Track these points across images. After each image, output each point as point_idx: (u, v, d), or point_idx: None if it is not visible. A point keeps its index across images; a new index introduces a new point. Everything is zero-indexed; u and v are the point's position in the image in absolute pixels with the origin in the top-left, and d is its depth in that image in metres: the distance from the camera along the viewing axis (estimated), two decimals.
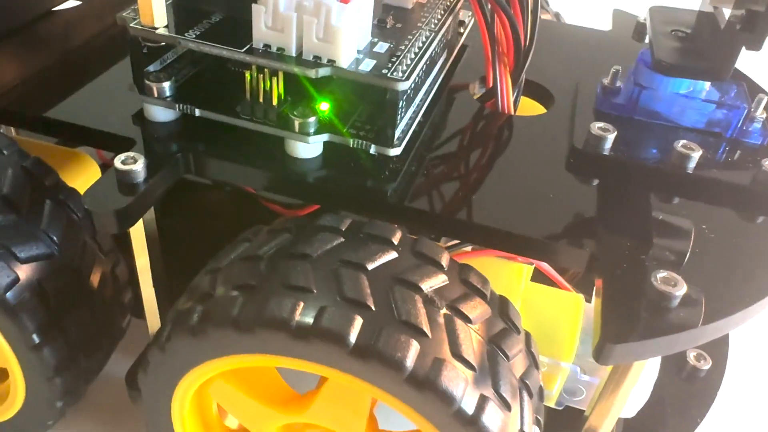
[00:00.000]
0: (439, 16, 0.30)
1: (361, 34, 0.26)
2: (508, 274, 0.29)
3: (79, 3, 0.38)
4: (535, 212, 0.26)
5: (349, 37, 0.25)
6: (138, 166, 0.25)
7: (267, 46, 0.25)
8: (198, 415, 0.28)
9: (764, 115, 0.30)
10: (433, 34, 0.28)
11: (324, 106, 0.27)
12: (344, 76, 0.25)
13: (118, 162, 0.25)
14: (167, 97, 0.27)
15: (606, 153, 0.28)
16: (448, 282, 0.23)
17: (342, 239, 0.23)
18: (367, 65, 0.25)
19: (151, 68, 0.28)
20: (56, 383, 0.28)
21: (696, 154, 0.28)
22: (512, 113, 0.32)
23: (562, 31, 0.41)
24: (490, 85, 0.33)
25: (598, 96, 0.32)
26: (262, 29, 0.25)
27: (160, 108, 0.28)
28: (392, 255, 0.23)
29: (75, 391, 0.29)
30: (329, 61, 0.25)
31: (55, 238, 0.27)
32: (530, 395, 0.23)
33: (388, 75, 0.25)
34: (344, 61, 0.25)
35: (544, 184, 0.28)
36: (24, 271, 0.26)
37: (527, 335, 0.25)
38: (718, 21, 0.28)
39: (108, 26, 0.36)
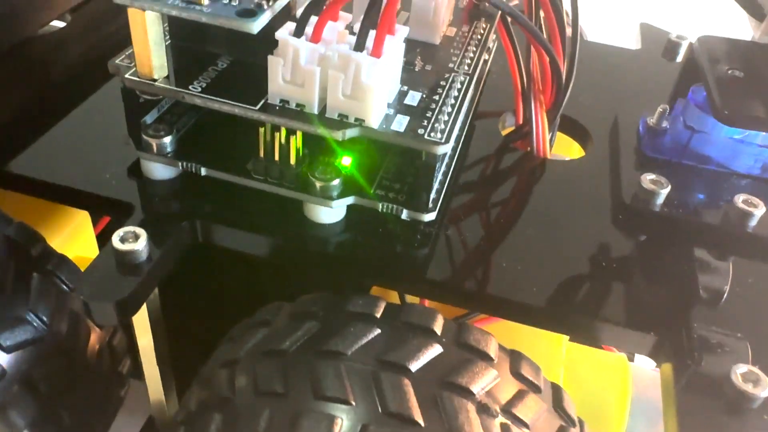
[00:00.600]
0: (472, 54, 0.26)
1: (391, 85, 0.23)
2: (548, 340, 0.27)
3: (63, 24, 0.34)
4: (586, 285, 0.23)
5: (380, 95, 0.22)
6: (140, 245, 0.21)
7: (284, 101, 0.22)
8: None
9: None
10: (467, 78, 0.25)
11: (346, 161, 0.24)
12: (375, 137, 0.22)
13: (116, 240, 0.21)
14: (168, 153, 0.24)
15: (657, 209, 0.26)
16: (500, 379, 0.20)
17: (378, 330, 0.21)
18: (400, 123, 0.22)
19: (148, 119, 0.25)
20: None
21: (759, 212, 0.25)
22: (548, 157, 0.29)
23: (589, 50, 0.38)
24: (520, 121, 0.30)
25: (642, 137, 0.29)
26: (279, 83, 0.22)
27: (161, 165, 0.24)
28: (437, 350, 0.20)
29: None
30: (357, 119, 0.22)
31: (44, 318, 0.23)
32: None
33: (426, 136, 0.22)
34: (374, 120, 0.22)
35: (592, 247, 0.25)
36: (10, 362, 0.22)
37: (581, 424, 0.22)
38: None
39: (93, 49, 0.32)
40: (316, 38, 0.21)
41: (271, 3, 0.21)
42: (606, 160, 0.29)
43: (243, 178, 0.24)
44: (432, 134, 0.22)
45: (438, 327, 0.21)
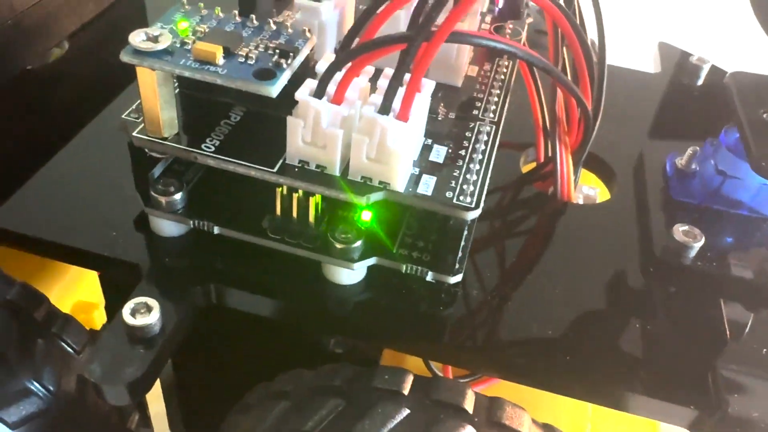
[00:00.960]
0: (497, 99, 0.25)
1: (416, 128, 0.22)
2: (573, 402, 0.26)
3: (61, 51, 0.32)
4: (618, 350, 0.22)
5: (406, 158, 0.20)
6: (153, 318, 0.20)
7: (304, 162, 0.21)
8: None
9: None
10: (494, 127, 0.24)
11: (366, 215, 0.23)
12: (401, 201, 0.21)
13: (127, 314, 0.20)
14: (179, 210, 0.23)
15: (690, 263, 0.25)
16: None
17: (407, 411, 0.19)
18: (427, 185, 0.21)
19: (156, 171, 0.23)
20: None
21: None
22: (572, 201, 0.28)
23: (608, 74, 0.36)
24: (542, 159, 0.29)
25: (670, 179, 0.28)
26: (298, 145, 0.20)
27: (170, 222, 0.23)
28: (469, 430, 0.19)
29: None
30: (381, 182, 0.21)
31: (50, 386, 0.22)
32: None
33: (455, 200, 0.21)
34: (400, 183, 0.21)
35: (622, 306, 0.24)
36: None
37: None
38: None
39: (93, 82, 0.31)
40: (338, 99, 0.20)
41: (290, 61, 0.20)
42: (632, 204, 0.28)
43: (259, 237, 0.23)
44: (461, 198, 0.21)
45: (470, 405, 0.20)
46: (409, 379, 0.20)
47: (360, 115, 0.20)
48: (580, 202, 0.30)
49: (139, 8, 0.37)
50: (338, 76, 0.20)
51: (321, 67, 0.21)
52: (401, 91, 0.19)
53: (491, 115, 0.24)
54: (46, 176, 0.26)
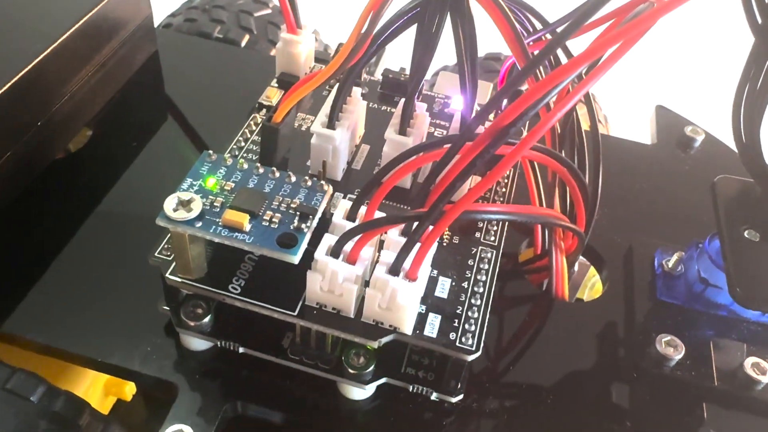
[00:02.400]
0: (497, 226, 0.27)
1: (423, 279, 0.24)
2: None
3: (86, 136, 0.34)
4: None
5: (413, 309, 0.23)
6: None
7: (322, 305, 0.23)
8: None
9: None
10: (494, 252, 0.26)
11: None
12: (409, 342, 0.23)
13: None
14: (207, 332, 0.25)
15: (669, 372, 0.27)
16: None
17: None
18: (432, 326, 0.23)
19: (186, 293, 0.25)
20: None
21: (766, 378, 0.26)
22: (566, 299, 0.30)
23: (603, 146, 0.38)
24: (539, 252, 0.31)
25: (657, 278, 0.30)
26: (317, 292, 0.23)
27: (198, 338, 0.26)
28: None
29: None
30: (391, 326, 0.23)
31: None
32: None
33: (457, 343, 0.23)
34: (408, 327, 0.23)
35: (608, 410, 0.26)
36: None
37: None
38: None
39: (117, 161, 0.33)
40: (353, 259, 0.22)
41: (309, 223, 0.22)
42: (621, 304, 0.30)
43: (281, 358, 0.25)
44: (463, 339, 0.23)
45: None
46: None
47: (373, 275, 0.22)
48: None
49: (155, 77, 0.38)
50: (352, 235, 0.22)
51: (337, 218, 0.23)
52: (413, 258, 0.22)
53: (492, 237, 0.27)
54: (72, 270, 0.28)
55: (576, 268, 0.32)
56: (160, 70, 0.39)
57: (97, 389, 0.32)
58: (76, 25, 0.32)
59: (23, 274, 0.28)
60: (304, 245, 0.22)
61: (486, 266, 0.25)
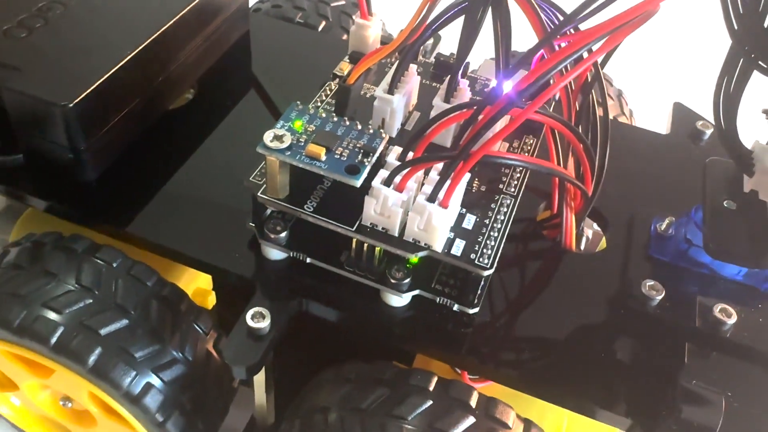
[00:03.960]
0: (518, 175, 0.34)
1: (454, 209, 0.31)
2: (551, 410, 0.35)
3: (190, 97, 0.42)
4: (586, 371, 0.31)
5: (444, 231, 0.29)
6: (266, 323, 0.30)
7: (374, 224, 0.30)
8: None
9: None
10: (513, 200, 0.32)
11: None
12: (438, 258, 0.30)
13: (249, 318, 0.30)
14: (283, 244, 0.32)
15: (651, 311, 0.33)
16: None
17: (430, 402, 0.29)
18: (458, 248, 0.30)
19: (268, 212, 0.33)
20: None
21: (731, 321, 0.32)
22: (573, 249, 0.36)
23: (619, 133, 0.44)
24: (555, 211, 0.37)
25: (651, 239, 0.36)
26: (371, 214, 0.30)
27: (275, 249, 0.33)
28: (471, 420, 0.29)
29: None
30: (426, 244, 0.30)
31: (189, 357, 0.33)
32: None
33: (476, 261, 0.30)
34: (438, 246, 0.30)
35: (595, 337, 0.32)
36: (167, 390, 0.32)
37: None
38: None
39: (217, 121, 0.40)
40: (400, 188, 0.29)
41: (370, 158, 0.29)
42: (619, 257, 0.36)
43: (338, 268, 0.32)
44: (481, 259, 0.30)
45: (473, 401, 0.29)
46: (434, 380, 0.30)
47: (414, 200, 0.29)
48: (582, 244, 0.38)
49: (246, 52, 0.46)
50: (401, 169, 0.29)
51: (390, 158, 0.30)
52: (446, 188, 0.28)
53: (512, 189, 0.33)
54: (181, 193, 0.36)
55: (590, 235, 0.38)
56: (249, 46, 0.47)
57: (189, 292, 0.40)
58: (191, 5, 0.39)
59: (145, 190, 0.36)
60: (365, 174, 0.29)
61: (505, 209, 0.32)
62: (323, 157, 0.29)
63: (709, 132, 0.44)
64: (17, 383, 0.36)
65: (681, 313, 0.33)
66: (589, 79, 0.34)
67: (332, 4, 0.50)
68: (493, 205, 0.32)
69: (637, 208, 0.38)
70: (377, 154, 0.30)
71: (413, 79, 0.35)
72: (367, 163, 0.29)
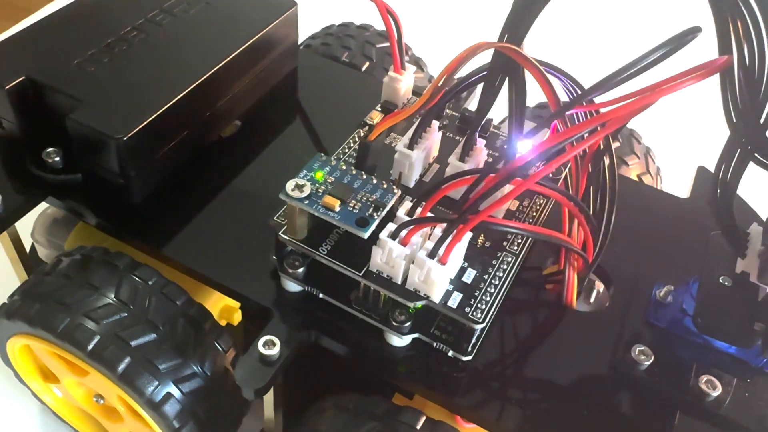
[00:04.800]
0: (521, 239, 0.36)
1: (453, 265, 0.33)
2: None
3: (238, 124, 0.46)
4: (560, 424, 0.33)
5: (442, 284, 0.32)
6: (276, 350, 0.33)
7: (380, 271, 0.33)
8: None
9: None
10: (514, 258, 0.35)
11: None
12: (435, 308, 0.32)
13: (260, 345, 0.33)
14: (299, 279, 0.36)
15: (639, 375, 0.35)
16: None
17: None
18: (455, 300, 0.32)
19: (288, 248, 0.36)
20: None
21: (715, 393, 0.33)
22: (574, 307, 0.38)
23: (636, 194, 0.45)
24: (562, 266, 0.39)
25: (650, 304, 0.37)
26: (377, 262, 0.32)
27: (293, 282, 0.36)
28: None
29: None
30: (425, 294, 0.32)
31: (207, 372, 0.36)
32: None
33: (470, 315, 0.32)
34: (437, 297, 0.32)
35: (586, 397, 0.34)
36: (185, 401, 0.35)
37: None
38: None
39: (258, 155, 0.44)
40: (405, 242, 0.31)
41: (379, 213, 0.32)
42: (616, 319, 0.37)
43: (347, 306, 0.35)
44: (474, 314, 0.32)
45: None
46: (422, 419, 0.32)
47: (416, 256, 0.31)
48: (592, 297, 0.40)
49: (292, 87, 0.49)
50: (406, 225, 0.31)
51: (400, 213, 0.33)
52: (445, 247, 0.31)
53: (515, 248, 0.35)
54: (215, 219, 0.39)
55: (602, 290, 0.40)
56: (297, 82, 0.50)
57: (216, 311, 0.44)
58: (243, 46, 0.43)
59: (184, 214, 0.40)
60: (373, 227, 0.31)
61: (505, 267, 0.34)
62: (337, 209, 0.32)
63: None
64: (59, 378, 0.40)
65: (668, 381, 0.35)
66: (602, 147, 0.36)
67: (377, 46, 0.53)
68: (494, 262, 0.34)
69: (644, 271, 0.40)
70: (387, 209, 0.32)
71: (434, 135, 0.37)
72: (376, 217, 0.32)
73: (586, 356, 0.36)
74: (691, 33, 0.26)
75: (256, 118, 0.47)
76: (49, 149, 0.40)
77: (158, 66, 0.41)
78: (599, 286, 0.40)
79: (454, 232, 0.30)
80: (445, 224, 0.31)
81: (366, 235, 0.31)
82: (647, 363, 0.34)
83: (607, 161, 0.36)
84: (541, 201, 0.38)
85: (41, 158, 0.40)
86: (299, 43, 0.56)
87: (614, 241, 0.38)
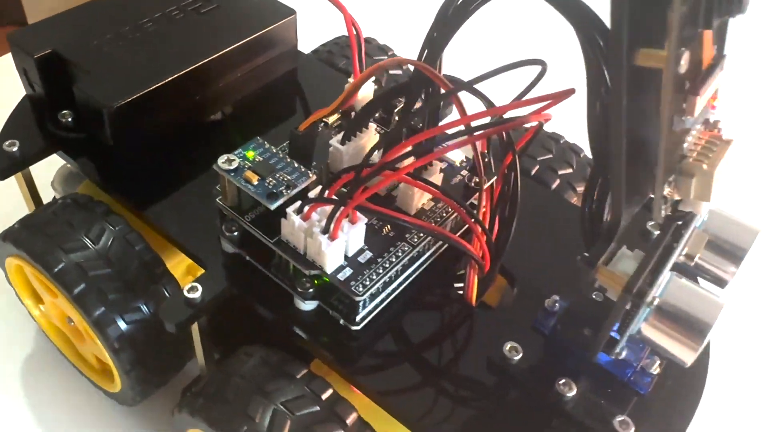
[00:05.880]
0: (422, 234, 0.41)
1: (353, 245, 0.38)
2: None
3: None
4: (439, 407, 0.37)
5: (333, 259, 0.37)
6: (197, 295, 0.40)
7: (288, 241, 0.39)
8: None
9: (657, 371, 0.38)
10: (410, 248, 0.39)
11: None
12: (327, 279, 0.38)
13: (185, 289, 0.40)
14: (234, 242, 0.42)
15: (509, 370, 0.38)
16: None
17: (292, 386, 0.37)
18: (344, 274, 0.38)
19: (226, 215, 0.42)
20: (133, 380, 0.44)
21: (571, 394, 0.37)
22: (473, 304, 0.42)
23: (558, 206, 0.48)
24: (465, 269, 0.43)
25: (538, 314, 0.41)
26: (285, 233, 0.38)
27: (228, 244, 0.42)
28: (315, 408, 0.36)
29: (146, 390, 0.46)
30: (319, 265, 0.38)
31: (150, 309, 0.43)
32: None
33: (352, 288, 0.37)
34: (329, 268, 0.38)
35: (464, 382, 0.38)
36: (129, 330, 0.42)
37: None
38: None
39: (238, 138, 0.51)
40: (306, 217, 0.37)
41: (290, 192, 0.38)
42: (507, 318, 0.41)
43: (267, 271, 0.41)
44: (356, 287, 0.37)
45: (325, 395, 0.37)
46: (304, 371, 0.38)
47: (312, 230, 0.37)
48: None
49: (289, 84, 0.56)
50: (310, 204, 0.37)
51: (311, 194, 0.38)
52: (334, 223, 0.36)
53: (414, 239, 0.40)
54: (183, 187, 0.46)
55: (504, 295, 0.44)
56: (296, 80, 0.57)
57: (182, 268, 0.51)
58: (238, 43, 0.50)
59: (159, 180, 0.47)
60: (281, 201, 0.37)
61: (399, 254, 0.39)
62: (255, 182, 0.38)
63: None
64: (42, 298, 0.48)
65: (533, 378, 0.38)
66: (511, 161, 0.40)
67: (374, 58, 0.59)
68: (391, 249, 0.39)
69: (545, 280, 0.43)
70: (297, 189, 0.38)
71: (369, 135, 0.43)
72: (285, 194, 0.38)
73: (466, 347, 0.40)
74: (532, 63, 0.31)
75: (247, 107, 0.53)
76: (64, 111, 0.48)
77: (159, 52, 0.48)
78: (506, 287, 0.44)
79: (338, 213, 0.36)
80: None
81: (272, 207, 0.37)
82: (516, 358, 0.38)
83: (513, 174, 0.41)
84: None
85: (57, 118, 0.48)
86: (313, 48, 0.63)
87: (529, 248, 0.42)
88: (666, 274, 0.31)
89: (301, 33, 0.55)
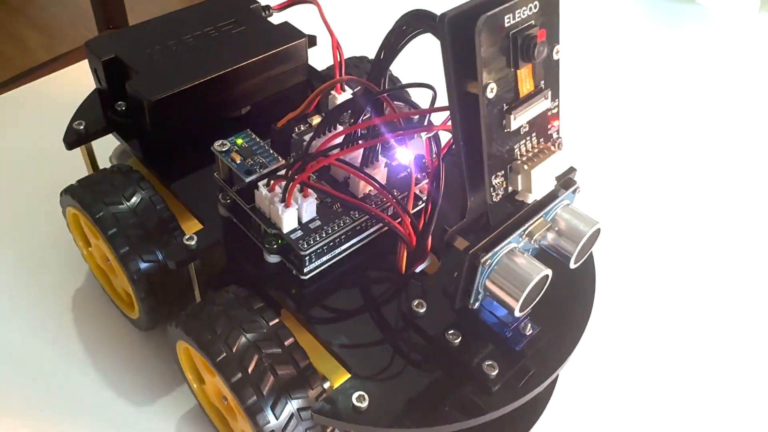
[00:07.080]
0: (366, 220, 0.53)
1: (306, 214, 0.51)
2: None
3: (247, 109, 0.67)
4: (356, 337, 0.49)
5: (287, 222, 0.50)
6: (193, 242, 0.53)
7: (259, 207, 0.52)
8: None
9: (530, 332, 0.48)
10: (351, 221, 0.52)
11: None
12: (283, 236, 0.51)
13: (185, 238, 0.53)
14: (227, 208, 0.55)
15: (413, 320, 0.50)
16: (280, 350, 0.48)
17: (252, 316, 0.50)
18: (296, 235, 0.50)
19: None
20: (147, 307, 0.58)
21: (456, 341, 0.48)
22: (403, 273, 0.53)
23: None
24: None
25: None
26: (257, 200, 0.51)
27: (224, 209, 0.56)
28: (263, 331, 0.49)
29: (155, 318, 0.60)
30: (278, 226, 0.50)
31: (164, 254, 0.57)
32: None
33: (299, 245, 0.50)
34: (285, 229, 0.50)
35: (382, 328, 0.50)
36: (145, 269, 0.56)
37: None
38: None
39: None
40: (271, 189, 0.50)
41: (261, 171, 0.51)
42: (434, 282, 0.53)
43: (246, 229, 0.54)
44: (302, 245, 0.50)
45: (273, 323, 0.49)
46: (260, 304, 0.50)
47: (274, 199, 0.50)
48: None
49: (299, 93, 0.69)
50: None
51: (279, 173, 0.51)
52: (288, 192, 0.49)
53: (356, 215, 0.52)
54: (204, 168, 0.60)
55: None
56: (305, 90, 0.70)
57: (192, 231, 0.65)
58: (256, 58, 0.64)
59: (184, 160, 0.61)
60: (253, 177, 0.51)
61: (342, 224, 0.51)
62: (237, 161, 0.51)
63: None
64: (90, 241, 0.64)
65: (432, 328, 0.49)
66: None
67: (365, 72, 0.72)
68: (337, 220, 0.52)
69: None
70: (268, 169, 0.51)
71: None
72: (258, 172, 0.51)
73: (388, 301, 0.52)
74: (420, 86, 0.42)
75: (261, 108, 0.67)
76: (120, 102, 0.63)
77: (194, 60, 0.63)
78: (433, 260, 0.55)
79: (289, 186, 0.48)
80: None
81: (247, 180, 0.51)
82: (421, 311, 0.50)
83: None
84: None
85: (115, 107, 0.64)
86: (328, 66, 0.76)
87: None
88: (506, 246, 0.42)
89: (322, 53, 0.69)
